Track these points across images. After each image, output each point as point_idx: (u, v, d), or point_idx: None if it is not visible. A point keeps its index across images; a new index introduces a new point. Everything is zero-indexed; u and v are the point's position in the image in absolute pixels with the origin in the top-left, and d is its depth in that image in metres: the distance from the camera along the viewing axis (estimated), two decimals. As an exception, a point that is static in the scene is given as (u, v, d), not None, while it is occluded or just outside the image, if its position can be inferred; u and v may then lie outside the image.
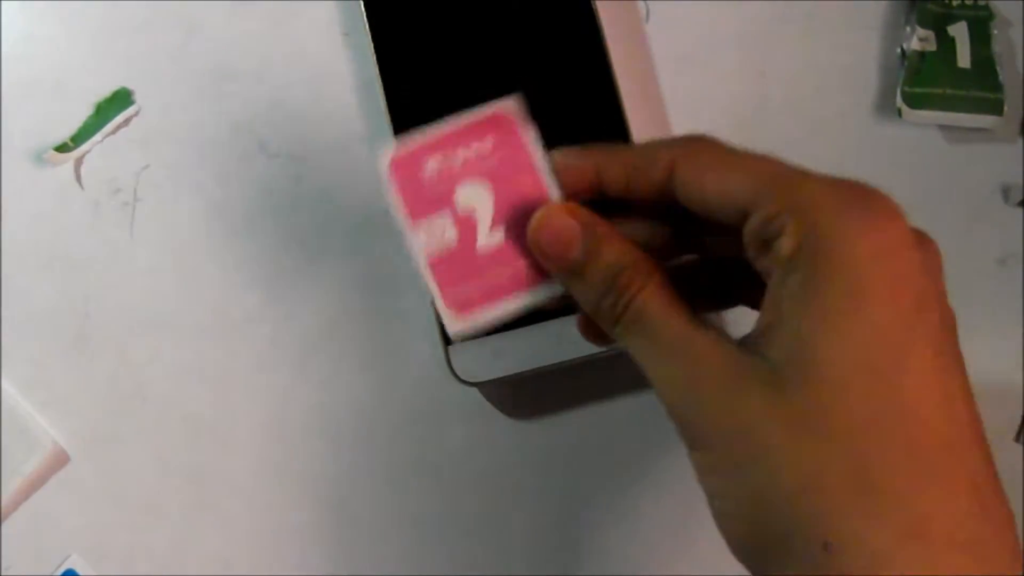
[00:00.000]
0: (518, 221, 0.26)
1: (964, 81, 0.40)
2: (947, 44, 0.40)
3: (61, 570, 0.38)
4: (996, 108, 0.40)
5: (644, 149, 0.26)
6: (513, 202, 0.26)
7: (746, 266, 0.24)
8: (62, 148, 0.40)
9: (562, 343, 0.38)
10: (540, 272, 0.26)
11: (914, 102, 0.40)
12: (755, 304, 0.24)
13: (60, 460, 0.39)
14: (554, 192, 0.26)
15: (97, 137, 0.41)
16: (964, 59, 0.40)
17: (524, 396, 0.39)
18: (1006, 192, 0.40)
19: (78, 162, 0.41)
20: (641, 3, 0.42)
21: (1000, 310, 0.40)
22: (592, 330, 0.27)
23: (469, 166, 0.26)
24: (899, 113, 0.40)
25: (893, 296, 0.21)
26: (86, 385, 0.39)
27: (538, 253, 0.26)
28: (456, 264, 0.26)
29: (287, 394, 0.39)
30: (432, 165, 0.26)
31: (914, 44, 0.40)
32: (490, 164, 0.26)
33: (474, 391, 0.37)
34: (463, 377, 0.37)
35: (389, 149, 0.26)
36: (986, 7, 0.41)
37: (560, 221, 0.25)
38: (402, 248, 0.40)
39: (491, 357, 0.37)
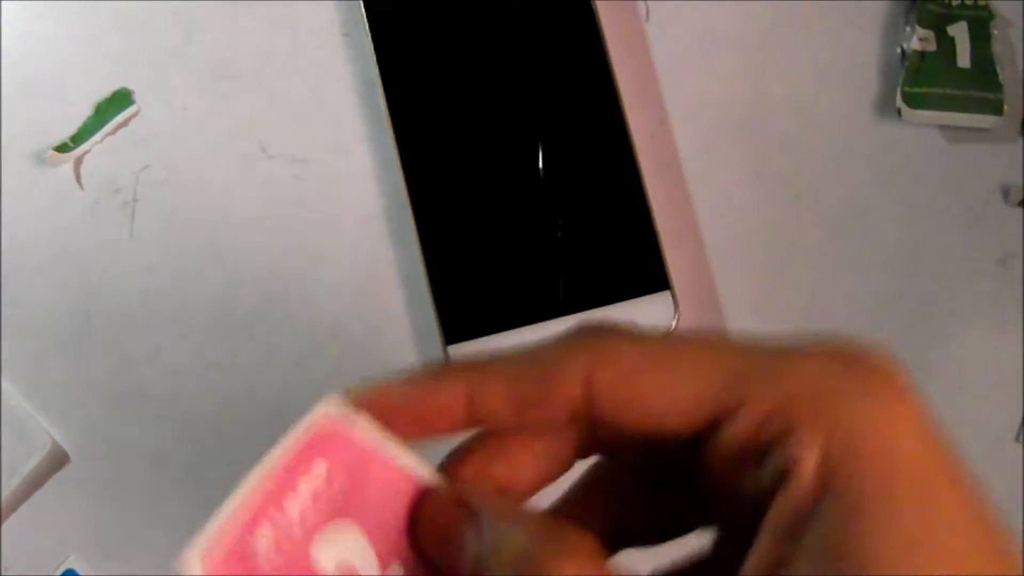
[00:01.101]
0: (408, 545, 0.19)
1: (964, 81, 0.40)
2: (947, 44, 0.40)
3: (61, 570, 0.38)
4: (996, 108, 0.40)
5: (535, 363, 0.19)
6: (393, 523, 0.19)
7: (685, 489, 0.19)
8: (62, 148, 0.40)
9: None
10: None
11: (914, 102, 0.40)
12: (676, 531, 0.20)
13: (60, 460, 0.39)
14: (427, 475, 0.20)
15: (97, 137, 0.41)
16: (964, 59, 0.40)
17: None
18: (1006, 192, 0.40)
19: (78, 162, 0.41)
20: (641, 3, 0.42)
21: (1000, 310, 0.40)
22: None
23: (311, 516, 0.18)
24: (899, 113, 0.40)
25: (959, 504, 0.17)
26: (86, 385, 0.39)
27: (435, 559, 0.19)
28: None
29: (287, 394, 0.39)
30: (264, 542, 0.18)
31: (914, 44, 0.40)
32: (336, 497, 0.19)
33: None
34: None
35: (192, 550, 0.18)
36: (986, 7, 0.41)
37: (441, 519, 0.19)
38: (402, 249, 0.40)
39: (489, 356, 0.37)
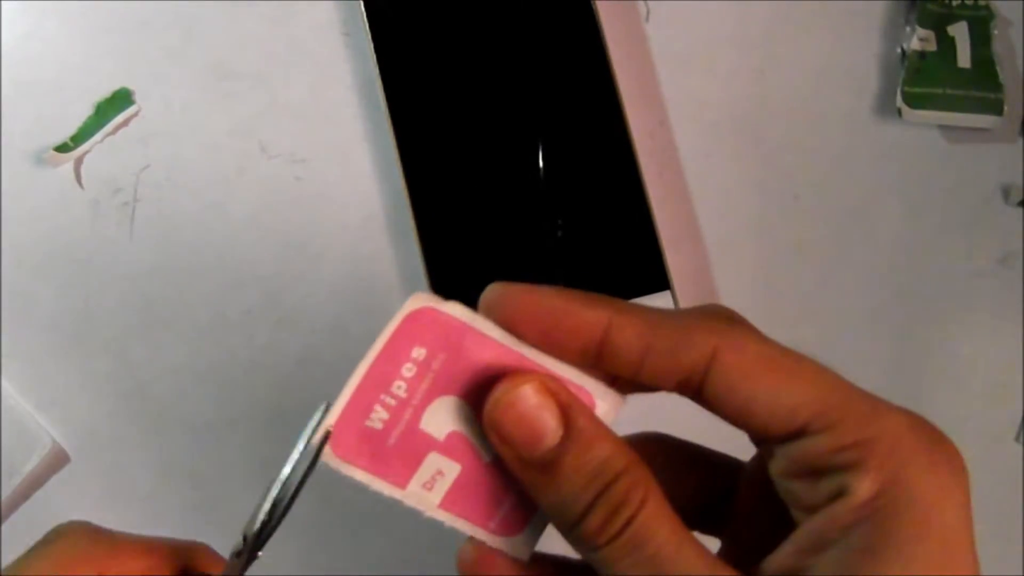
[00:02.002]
0: None
1: (964, 81, 0.40)
2: (947, 44, 0.40)
3: (61, 570, 0.38)
4: (996, 108, 0.40)
5: (674, 322, 0.21)
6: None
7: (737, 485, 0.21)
8: (62, 148, 0.40)
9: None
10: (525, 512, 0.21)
11: (914, 102, 0.40)
12: (712, 529, 0.22)
13: (60, 460, 0.39)
14: (520, 348, 0.21)
15: (97, 137, 0.41)
16: (964, 59, 0.40)
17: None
18: (1006, 192, 0.40)
19: (78, 162, 0.41)
20: (641, 3, 0.42)
21: (1000, 310, 0.40)
22: (493, 566, 0.22)
23: (418, 395, 0.21)
24: (899, 113, 0.40)
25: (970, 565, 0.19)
26: (86, 385, 0.39)
27: (497, 442, 0.20)
28: (473, 492, 0.22)
29: (287, 394, 0.39)
30: (378, 416, 0.21)
31: (914, 44, 0.40)
32: (439, 376, 0.21)
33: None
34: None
35: (323, 426, 0.21)
36: (986, 7, 0.41)
37: (529, 400, 0.20)
38: (402, 249, 0.40)
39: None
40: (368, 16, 0.40)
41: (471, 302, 0.40)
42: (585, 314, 0.20)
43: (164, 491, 0.39)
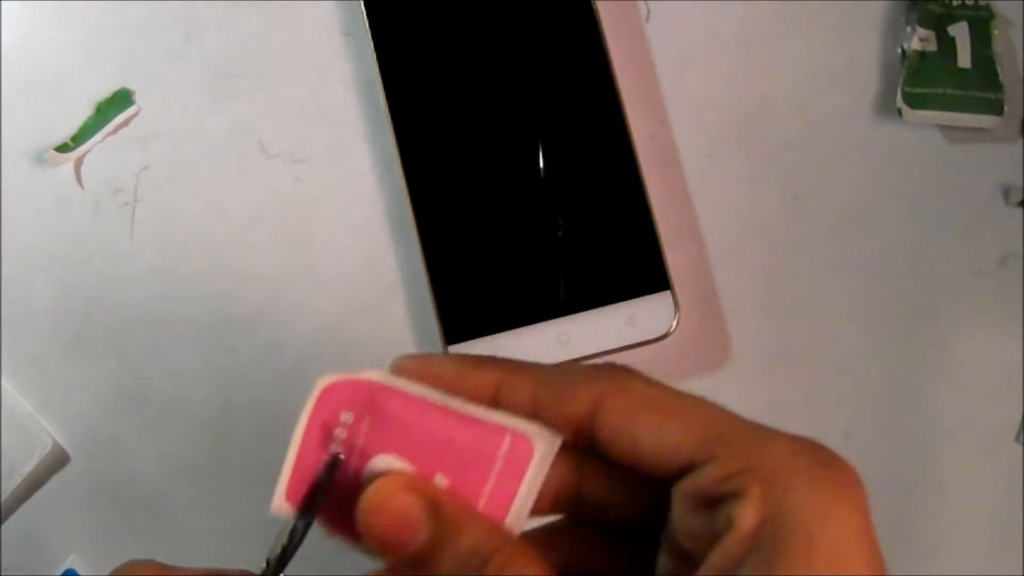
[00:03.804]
0: (445, 460, 0.22)
1: (964, 81, 0.40)
2: (947, 44, 0.40)
3: (61, 570, 0.38)
4: (996, 108, 0.40)
5: (560, 375, 0.22)
6: (426, 444, 0.22)
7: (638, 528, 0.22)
8: (62, 148, 0.40)
9: (562, 343, 0.38)
10: None
11: (914, 102, 0.40)
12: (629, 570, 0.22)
13: (60, 460, 0.39)
14: (439, 398, 0.22)
15: (97, 137, 0.41)
16: (964, 59, 0.40)
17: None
18: (1006, 192, 0.40)
19: (78, 162, 0.41)
20: (641, 3, 0.42)
21: (1000, 310, 0.40)
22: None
23: (354, 455, 0.22)
24: (899, 113, 0.40)
25: None
26: (86, 385, 0.39)
27: (374, 543, 0.21)
28: None
29: (287, 394, 0.39)
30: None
31: (914, 44, 0.40)
32: (371, 436, 0.22)
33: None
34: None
35: (276, 497, 0.22)
36: (986, 7, 0.41)
37: (396, 500, 0.21)
38: (403, 249, 0.40)
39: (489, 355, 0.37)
40: (368, 16, 0.40)
41: (471, 302, 0.40)
42: (475, 377, 0.22)
43: (164, 491, 0.39)
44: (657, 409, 0.21)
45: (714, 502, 0.20)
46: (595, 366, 0.22)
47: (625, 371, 0.22)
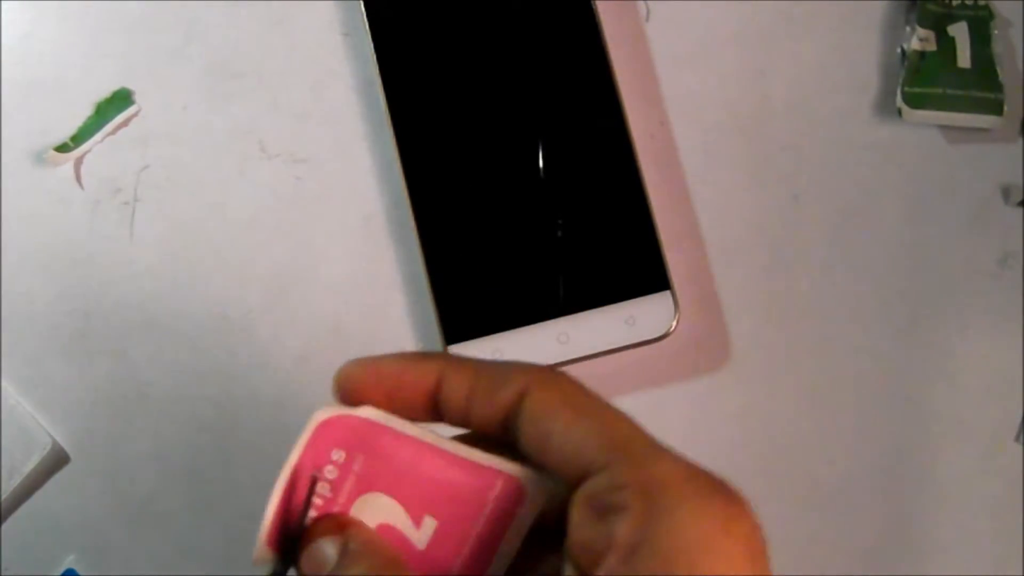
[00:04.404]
0: (435, 501, 0.22)
1: (964, 81, 0.40)
2: (947, 44, 0.40)
3: (61, 570, 0.38)
4: (996, 108, 0.40)
5: (496, 367, 0.22)
6: (417, 484, 0.22)
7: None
8: (62, 148, 0.40)
9: (562, 343, 0.38)
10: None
11: (914, 102, 0.40)
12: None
13: (60, 460, 0.39)
14: (432, 438, 0.22)
15: (97, 137, 0.41)
16: (964, 59, 0.40)
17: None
18: (1006, 192, 0.40)
19: (78, 162, 0.41)
20: (641, 3, 0.42)
21: (1000, 310, 0.40)
22: None
23: (343, 494, 0.22)
24: (899, 113, 0.40)
25: None
26: (86, 385, 0.39)
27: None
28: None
29: (287, 393, 0.39)
30: (309, 516, 0.22)
31: (914, 44, 0.40)
32: (361, 475, 0.22)
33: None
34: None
35: (257, 544, 0.22)
36: (986, 7, 0.41)
37: (317, 538, 0.22)
38: (403, 249, 0.40)
39: (490, 356, 0.37)
40: (368, 16, 0.40)
41: (471, 302, 0.40)
42: (419, 367, 0.23)
43: (164, 491, 0.39)
44: (571, 407, 0.21)
45: (601, 514, 0.19)
46: (531, 364, 0.22)
47: (557, 371, 0.22)
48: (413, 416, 0.22)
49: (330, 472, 0.22)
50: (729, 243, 0.40)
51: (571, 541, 0.20)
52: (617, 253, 0.39)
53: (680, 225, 0.40)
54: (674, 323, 0.38)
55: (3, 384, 0.39)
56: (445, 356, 0.23)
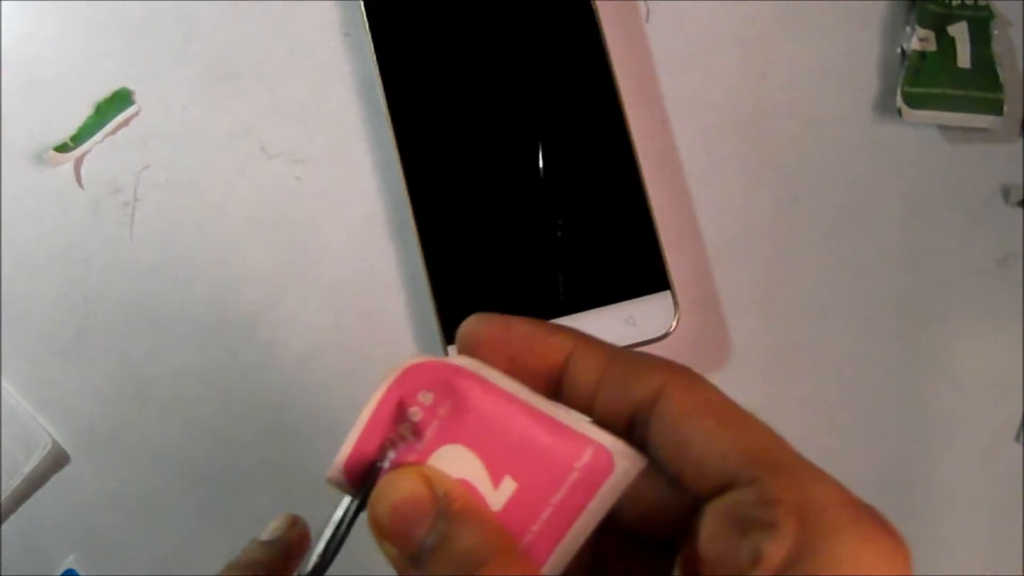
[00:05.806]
0: (518, 462, 0.21)
1: (964, 81, 0.40)
2: (947, 44, 0.40)
3: (61, 570, 0.38)
4: (996, 108, 0.40)
5: (632, 356, 0.21)
6: (501, 441, 0.21)
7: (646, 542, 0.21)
8: (62, 148, 0.40)
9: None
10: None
11: (914, 102, 0.40)
12: None
13: (60, 460, 0.39)
14: (525, 395, 0.21)
15: (97, 137, 0.41)
16: (964, 59, 0.40)
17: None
18: (1006, 192, 0.40)
19: (78, 162, 0.41)
20: (641, 3, 0.42)
21: (1000, 310, 0.40)
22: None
23: (425, 440, 0.21)
24: (899, 113, 0.40)
25: None
26: (86, 385, 0.39)
27: (376, 531, 0.20)
28: None
29: (287, 393, 0.39)
30: (387, 463, 0.21)
31: (914, 44, 0.40)
32: (446, 423, 0.21)
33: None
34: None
35: (332, 470, 0.21)
36: (986, 7, 0.41)
37: (405, 491, 0.20)
38: (403, 249, 0.40)
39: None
40: (368, 16, 0.40)
41: (471, 302, 0.40)
42: (551, 339, 0.21)
43: (164, 491, 0.39)
44: (714, 414, 0.20)
45: (744, 529, 0.18)
46: (664, 358, 0.21)
47: (695, 373, 0.21)
48: (534, 384, 0.21)
49: (414, 414, 0.21)
50: (729, 243, 0.40)
51: (698, 552, 0.19)
52: (617, 253, 0.39)
53: (680, 225, 0.40)
54: (674, 323, 0.38)
55: (3, 384, 0.39)
56: (577, 332, 0.21)
